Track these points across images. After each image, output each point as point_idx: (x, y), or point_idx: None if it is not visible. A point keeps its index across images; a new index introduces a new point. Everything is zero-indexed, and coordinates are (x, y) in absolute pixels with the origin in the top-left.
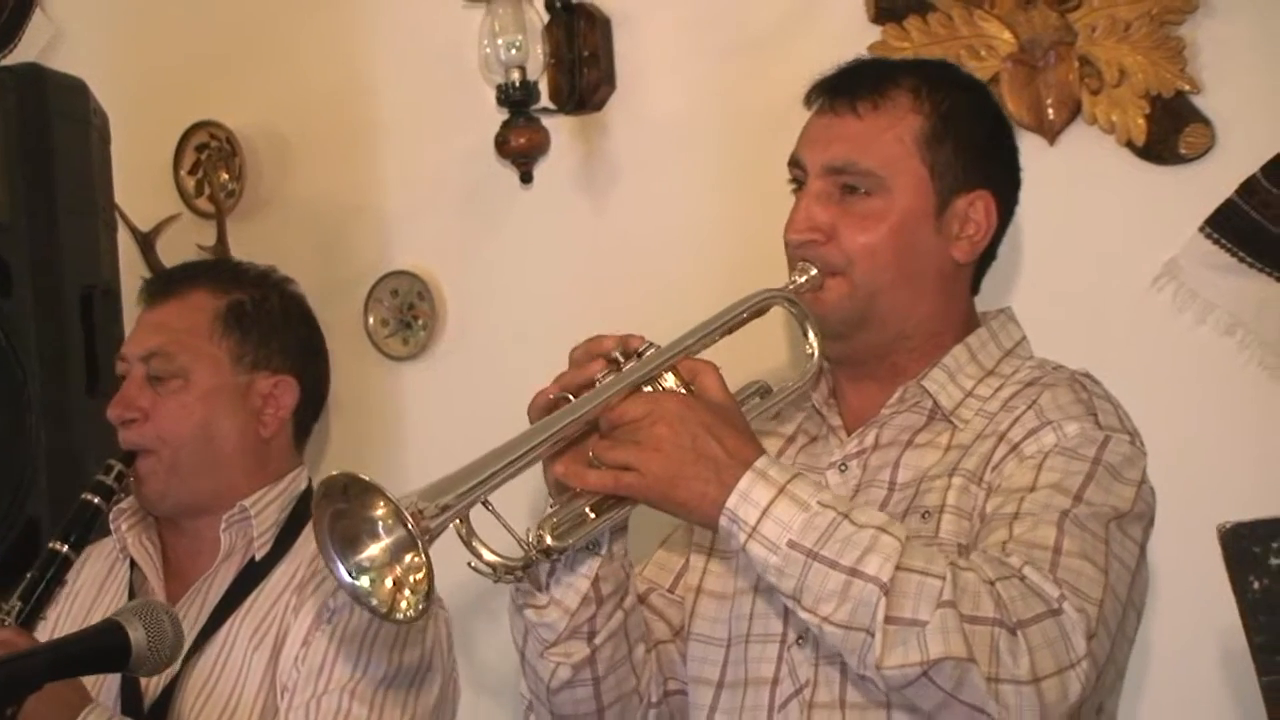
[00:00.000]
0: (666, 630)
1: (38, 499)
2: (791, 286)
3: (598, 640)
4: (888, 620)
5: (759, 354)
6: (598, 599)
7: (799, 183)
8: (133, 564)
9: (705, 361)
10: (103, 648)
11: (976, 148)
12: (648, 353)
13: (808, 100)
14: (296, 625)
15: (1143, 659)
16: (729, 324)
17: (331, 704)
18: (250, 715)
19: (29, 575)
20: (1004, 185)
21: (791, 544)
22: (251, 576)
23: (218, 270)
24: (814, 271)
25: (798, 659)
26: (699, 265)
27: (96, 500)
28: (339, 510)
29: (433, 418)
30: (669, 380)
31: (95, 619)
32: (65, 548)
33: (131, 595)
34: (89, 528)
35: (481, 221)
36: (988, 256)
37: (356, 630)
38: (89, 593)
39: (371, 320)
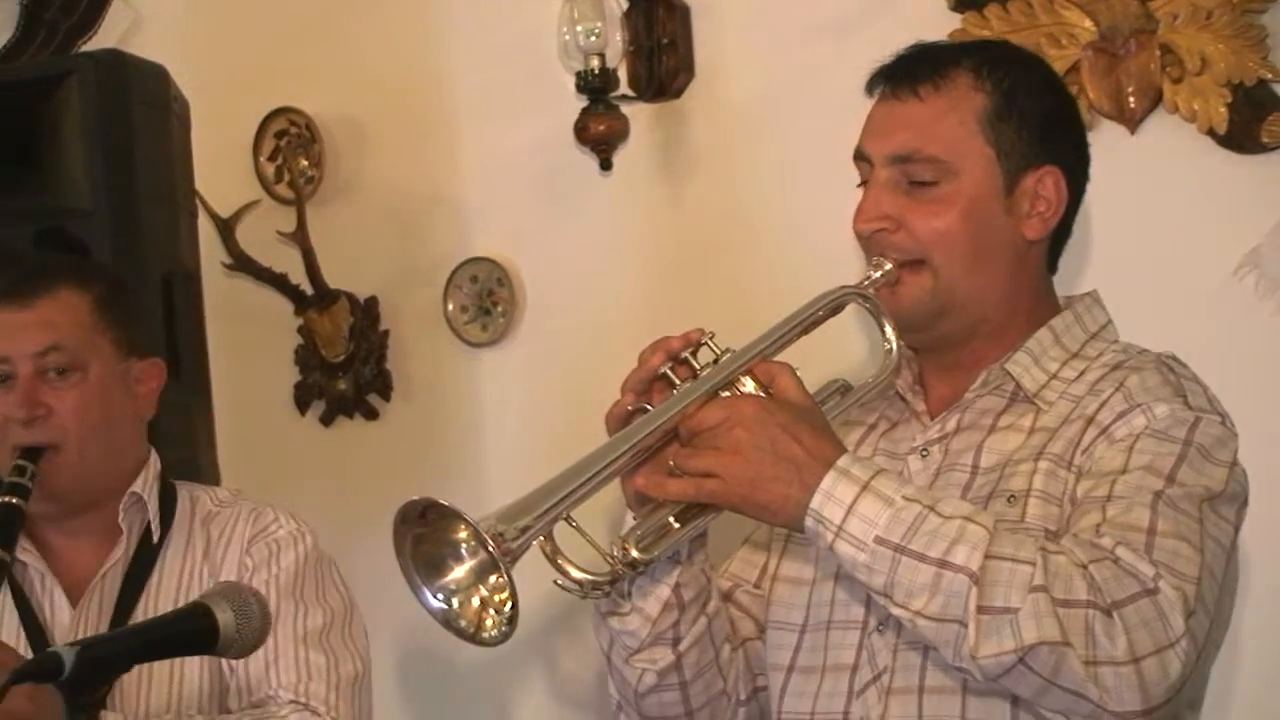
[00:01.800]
0: (753, 627)
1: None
2: (867, 282)
3: (682, 646)
4: (980, 610)
5: (836, 351)
6: (680, 606)
7: (865, 177)
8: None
9: (781, 363)
10: (191, 631)
11: (1041, 123)
12: (724, 357)
13: (869, 88)
14: None
15: (1233, 648)
16: (804, 324)
17: (289, 659)
18: (199, 688)
19: None
20: (1072, 159)
21: (879, 540)
22: (149, 556)
23: (68, 265)
24: (889, 266)
25: (877, 645)
26: (777, 252)
27: (16, 501)
28: (419, 535)
29: (511, 403)
30: (746, 385)
31: None
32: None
33: (18, 598)
34: (16, 530)
35: (560, 208)
36: (1062, 234)
37: (286, 585)
38: None
39: (451, 306)
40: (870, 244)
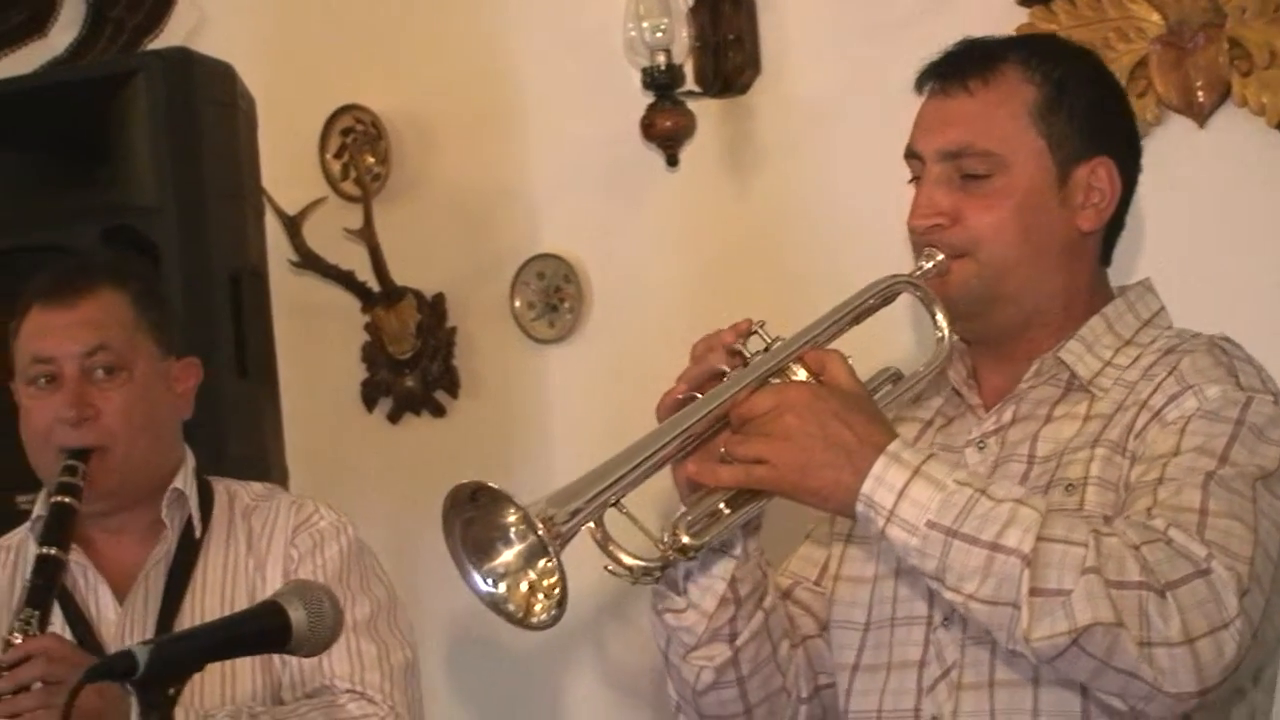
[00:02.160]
0: (813, 625)
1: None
2: (918, 273)
3: (739, 642)
4: (1032, 592)
5: (884, 344)
6: (736, 600)
7: (917, 174)
8: (51, 568)
9: (832, 350)
10: (264, 629)
11: (1092, 114)
12: (774, 345)
13: (918, 85)
14: (268, 581)
15: None
16: (856, 312)
17: (341, 649)
18: (252, 681)
19: (30, 584)
20: (1123, 150)
21: (930, 524)
22: (192, 551)
23: (105, 264)
24: (940, 257)
25: (944, 640)
26: (843, 247)
27: (70, 501)
28: (469, 518)
29: (579, 400)
30: (798, 373)
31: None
32: (54, 551)
33: (61, 593)
34: (69, 529)
35: (627, 204)
36: (1115, 226)
37: (332, 575)
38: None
39: (518, 303)
40: (923, 240)
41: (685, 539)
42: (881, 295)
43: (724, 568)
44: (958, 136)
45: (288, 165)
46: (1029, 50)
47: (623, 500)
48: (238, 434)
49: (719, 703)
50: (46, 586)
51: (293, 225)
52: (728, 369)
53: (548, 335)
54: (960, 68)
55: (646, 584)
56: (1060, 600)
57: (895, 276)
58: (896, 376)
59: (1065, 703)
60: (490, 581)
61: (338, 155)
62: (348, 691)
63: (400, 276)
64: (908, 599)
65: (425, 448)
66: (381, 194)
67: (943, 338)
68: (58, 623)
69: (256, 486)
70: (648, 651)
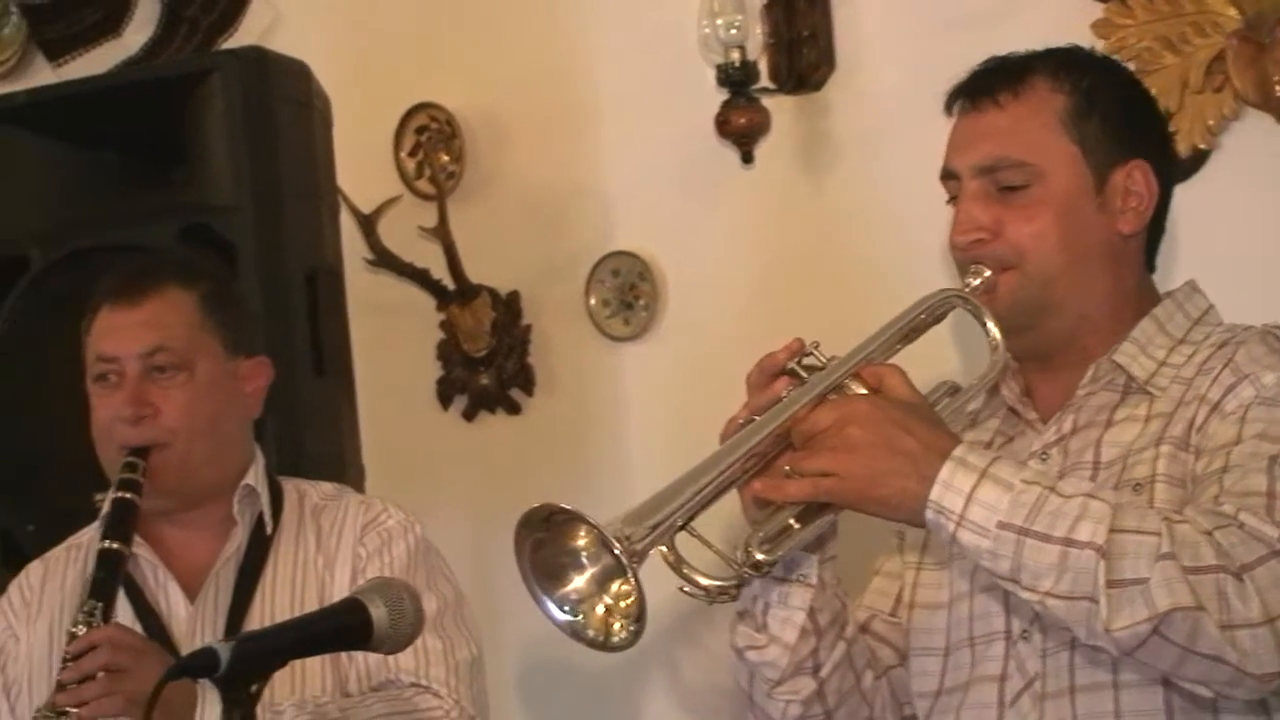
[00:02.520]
0: (893, 655)
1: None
2: (966, 290)
3: (823, 673)
4: (1109, 584)
5: (933, 363)
6: (817, 631)
7: (954, 194)
8: (112, 562)
9: (890, 365)
10: (346, 626)
11: (1123, 118)
12: (831, 362)
13: (948, 107)
14: (336, 581)
15: None
16: (907, 328)
17: None
18: (321, 676)
19: (93, 577)
20: (1158, 153)
21: (1001, 525)
22: (263, 548)
23: (174, 264)
24: (987, 273)
25: (1025, 653)
26: (920, 245)
27: (130, 497)
28: (539, 539)
29: (653, 397)
30: (855, 389)
31: (63, 623)
32: (116, 545)
33: (132, 591)
34: (131, 524)
35: (701, 201)
36: (1155, 230)
37: (399, 573)
38: (51, 598)
39: (593, 301)
40: (967, 256)
41: (758, 555)
42: (932, 310)
43: (802, 598)
44: (992, 149)
45: (362, 164)
46: (1056, 61)
47: (691, 523)
48: (315, 432)
49: None
50: (108, 579)
51: (367, 224)
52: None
53: (623, 333)
54: (989, 83)
55: (723, 603)
56: (1139, 589)
57: (944, 290)
58: (954, 389)
59: (1147, 701)
60: (567, 609)
61: (412, 153)
62: (412, 685)
63: (475, 274)
64: (984, 616)
65: (500, 445)
66: (456, 192)
67: (996, 346)
68: (127, 619)
69: (326, 486)
70: (721, 672)
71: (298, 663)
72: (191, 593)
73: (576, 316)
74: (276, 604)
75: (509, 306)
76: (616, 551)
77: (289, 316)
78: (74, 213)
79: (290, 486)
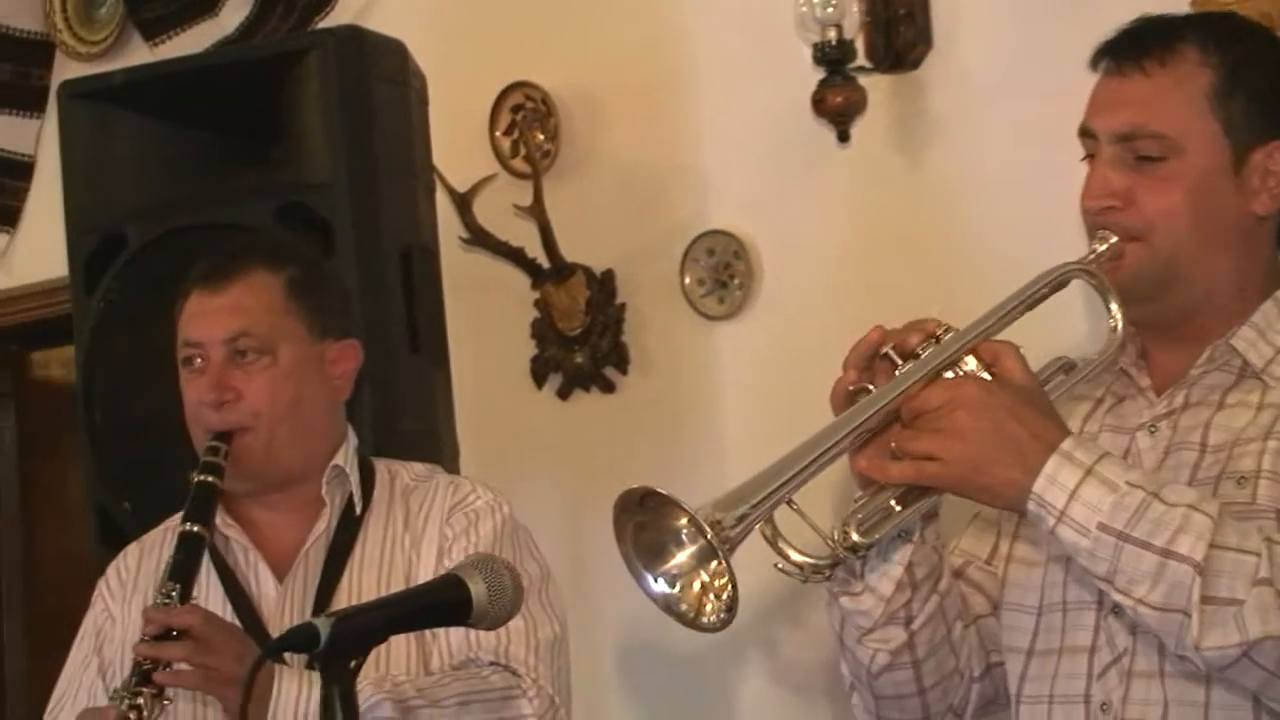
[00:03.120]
0: (985, 604)
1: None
2: (1091, 256)
3: (915, 625)
4: (1204, 600)
5: (1056, 328)
6: (912, 584)
7: (1091, 153)
8: (192, 544)
9: (1005, 343)
10: (444, 602)
11: (1269, 98)
12: (945, 336)
13: (1094, 63)
14: (422, 560)
15: None
16: (1028, 301)
17: None
18: (407, 650)
19: (173, 559)
20: None
21: (1102, 526)
22: (352, 529)
23: (261, 248)
24: (1114, 240)
25: (1114, 627)
26: (1016, 223)
27: (211, 479)
28: (640, 523)
29: (748, 376)
30: (970, 364)
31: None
32: (197, 528)
33: (223, 572)
34: (212, 507)
35: (798, 180)
36: None
37: (485, 550)
38: (146, 580)
39: (688, 279)
40: (1097, 221)
41: (855, 537)
42: (1054, 283)
43: (902, 553)
44: (1132, 118)
45: (458, 143)
46: (1206, 31)
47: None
48: (410, 410)
49: (893, 684)
50: (188, 561)
51: (463, 202)
52: (894, 355)
53: (717, 311)
54: (1136, 48)
55: (816, 582)
56: (1232, 610)
57: (1069, 264)
58: (1069, 366)
59: (1238, 695)
60: (663, 583)
61: (507, 132)
62: (492, 664)
63: (570, 253)
64: (1079, 583)
65: (595, 424)
66: (551, 170)
67: (1116, 327)
68: (217, 600)
69: (418, 467)
70: (820, 649)
71: (382, 653)
72: (280, 573)
73: (671, 295)
74: (363, 584)
75: (604, 285)
76: (709, 537)
77: (384, 295)
78: (171, 192)
79: (382, 467)
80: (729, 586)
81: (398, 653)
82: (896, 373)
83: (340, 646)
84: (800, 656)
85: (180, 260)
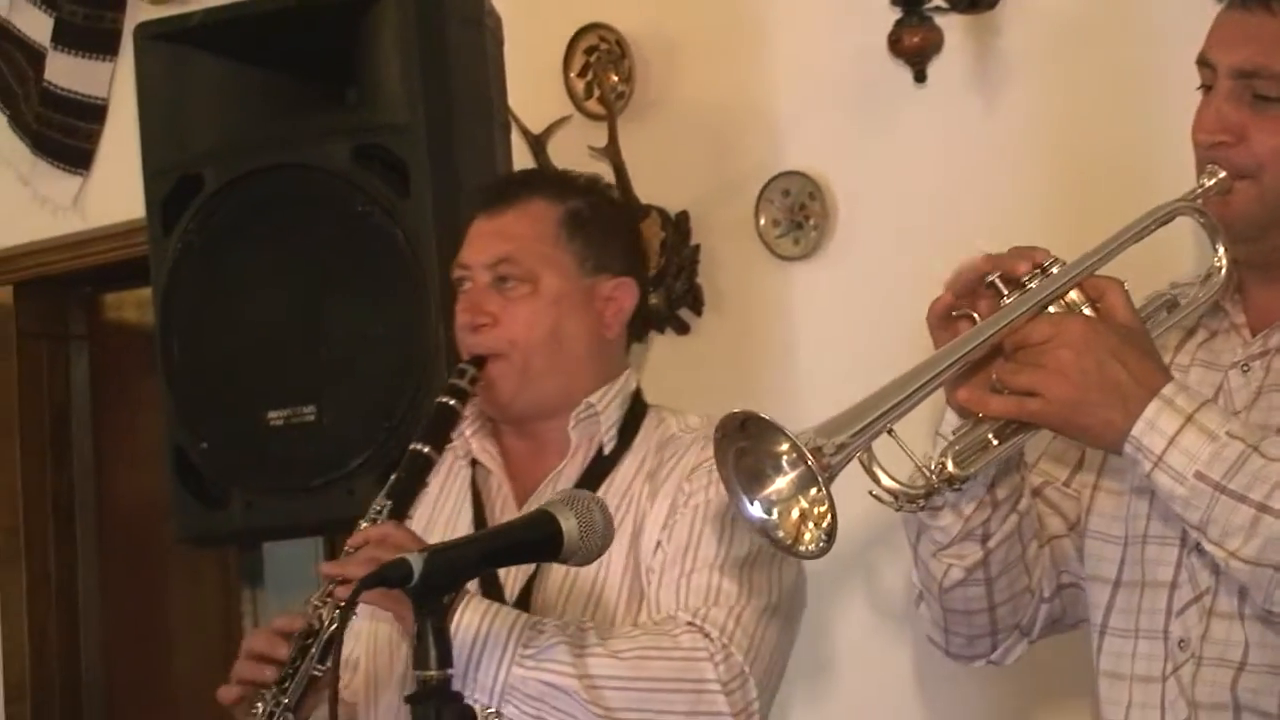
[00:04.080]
0: (1061, 524)
1: (438, 394)
2: (1199, 190)
3: (991, 543)
4: None
5: (1159, 261)
6: (993, 503)
7: (1208, 84)
8: (473, 466)
9: (1111, 279)
10: (536, 538)
11: None
12: (1052, 269)
13: None
14: (654, 510)
15: None
16: (1134, 237)
17: (701, 581)
18: (617, 600)
19: (394, 476)
20: None
21: (1199, 475)
22: (600, 470)
23: (550, 179)
24: (1222, 174)
25: (1196, 565)
26: (1093, 165)
27: (453, 403)
28: (741, 448)
29: (823, 317)
30: (1074, 298)
31: (439, 521)
32: (427, 449)
33: (475, 498)
34: (449, 430)
35: (873, 121)
36: None
37: (718, 511)
38: (429, 497)
39: (763, 221)
40: (1207, 155)
41: (952, 469)
42: (1161, 220)
43: (985, 472)
44: (1254, 55)
45: (532, 84)
46: None
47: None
48: None
49: (964, 599)
50: (407, 480)
51: (538, 144)
52: (1000, 284)
53: (792, 253)
54: None
55: (910, 511)
56: None
57: (1175, 201)
58: (1172, 304)
59: None
60: (761, 508)
61: (581, 74)
62: (688, 624)
63: (644, 194)
64: (1163, 517)
65: (669, 365)
66: (625, 112)
67: (1221, 269)
68: (465, 523)
69: (693, 419)
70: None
71: (598, 586)
72: (523, 506)
73: (746, 236)
74: None
75: (678, 226)
76: (809, 463)
77: (461, 235)
78: (247, 133)
79: (654, 414)
80: (828, 514)
81: (609, 598)
82: (1002, 302)
83: (433, 582)
84: (897, 585)
85: (256, 202)
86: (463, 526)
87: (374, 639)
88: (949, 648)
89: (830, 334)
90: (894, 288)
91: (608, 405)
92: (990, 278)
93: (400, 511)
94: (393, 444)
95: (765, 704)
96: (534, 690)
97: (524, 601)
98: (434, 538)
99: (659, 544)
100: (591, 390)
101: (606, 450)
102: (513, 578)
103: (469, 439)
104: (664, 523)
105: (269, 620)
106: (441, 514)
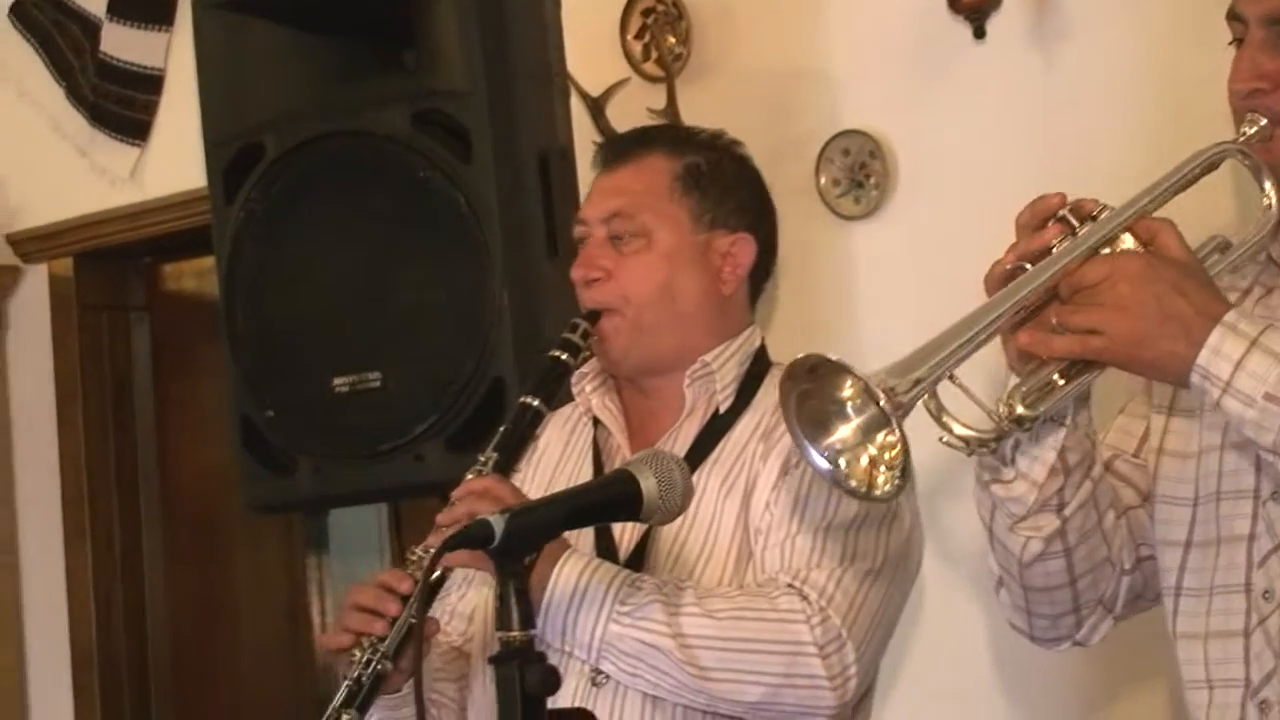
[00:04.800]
0: (1134, 496)
1: (502, 360)
2: (1241, 139)
3: (1067, 511)
4: None
5: (1203, 210)
6: (1065, 470)
7: (1239, 37)
8: (595, 425)
9: (1163, 220)
10: (616, 497)
11: None
12: (1102, 215)
13: None
14: (766, 471)
15: None
16: (1182, 181)
17: (806, 542)
18: (726, 560)
19: (502, 428)
20: None
21: (1268, 397)
22: (716, 429)
23: (671, 133)
24: (1263, 122)
25: (1275, 513)
26: (1156, 119)
27: (564, 357)
28: (804, 391)
29: (884, 276)
30: (1126, 242)
31: (560, 480)
32: (536, 402)
33: (596, 455)
34: (558, 384)
35: (932, 78)
36: None
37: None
38: (553, 454)
39: (823, 180)
40: (1244, 104)
41: (1020, 410)
42: (1206, 163)
43: (1055, 438)
44: None
45: (589, 47)
46: None
47: (955, 372)
48: (553, 314)
49: (1044, 574)
50: (513, 433)
51: (596, 106)
52: (1074, 221)
53: (853, 212)
54: None
55: (982, 455)
56: None
57: (1220, 144)
58: (1224, 245)
59: None
60: (828, 457)
61: (638, 36)
62: (788, 585)
63: None
64: (1234, 472)
65: None
66: (683, 74)
67: (1270, 205)
68: (584, 479)
69: None
70: (976, 523)
71: (708, 547)
72: None
73: (806, 195)
74: (708, 486)
75: None
76: (881, 403)
77: (523, 200)
78: (307, 100)
79: (776, 372)
80: (902, 454)
81: (717, 559)
82: (1059, 246)
83: (514, 542)
84: (961, 530)
85: (317, 169)
86: (584, 479)
87: (489, 602)
88: (1033, 632)
89: (892, 293)
90: (956, 245)
91: (724, 363)
92: (1062, 212)
93: (506, 464)
94: (457, 410)
95: (867, 668)
96: (630, 648)
97: (637, 558)
98: None
99: (767, 505)
100: (709, 348)
101: (723, 409)
102: (627, 536)
103: (589, 395)
104: (774, 484)
105: (333, 587)
106: (563, 473)
